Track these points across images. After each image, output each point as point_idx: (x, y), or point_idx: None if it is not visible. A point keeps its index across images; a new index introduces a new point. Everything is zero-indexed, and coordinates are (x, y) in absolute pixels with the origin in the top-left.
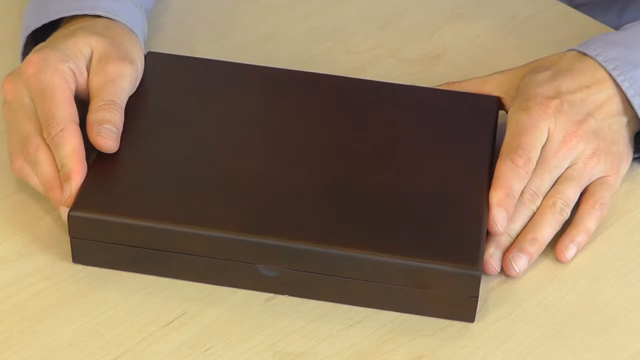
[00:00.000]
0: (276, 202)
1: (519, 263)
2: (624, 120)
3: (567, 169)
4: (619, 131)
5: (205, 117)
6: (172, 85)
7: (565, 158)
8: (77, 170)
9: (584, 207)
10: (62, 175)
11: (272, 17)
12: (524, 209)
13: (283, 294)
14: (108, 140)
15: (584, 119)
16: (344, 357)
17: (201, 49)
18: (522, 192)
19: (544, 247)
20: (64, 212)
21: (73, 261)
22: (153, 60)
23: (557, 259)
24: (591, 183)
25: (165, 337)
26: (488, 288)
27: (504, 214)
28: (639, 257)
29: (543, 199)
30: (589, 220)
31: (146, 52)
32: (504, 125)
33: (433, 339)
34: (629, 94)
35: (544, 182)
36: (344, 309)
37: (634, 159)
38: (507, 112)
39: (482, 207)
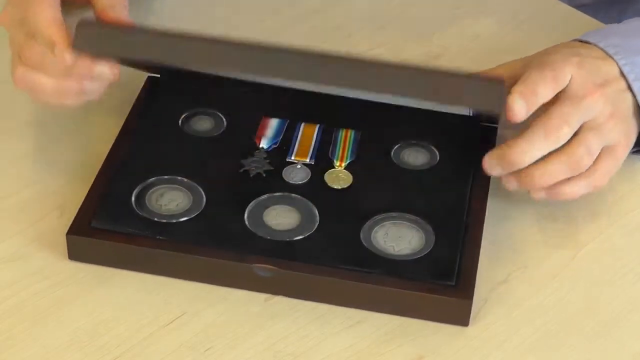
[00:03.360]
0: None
1: (513, 185)
2: (630, 99)
3: (589, 121)
4: (629, 108)
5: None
6: None
7: (588, 107)
8: (58, 35)
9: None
10: (47, 47)
11: (272, 17)
12: (549, 140)
13: (277, 294)
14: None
15: (603, 84)
16: (344, 357)
17: None
18: (550, 116)
19: (548, 183)
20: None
21: (69, 258)
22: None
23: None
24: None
25: (165, 337)
26: (488, 288)
27: (522, 102)
28: (639, 257)
29: (567, 144)
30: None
31: None
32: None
33: (433, 339)
34: (630, 77)
35: (572, 115)
36: (344, 309)
37: (633, 152)
38: None
39: None
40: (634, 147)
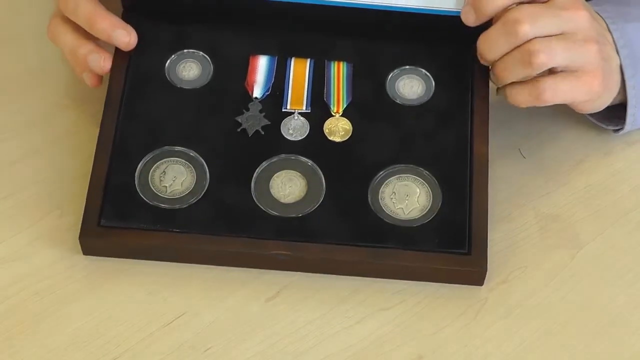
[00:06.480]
0: None
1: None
2: (616, 58)
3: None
4: (613, 57)
5: None
6: None
7: (567, 18)
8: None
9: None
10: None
11: None
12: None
13: (296, 270)
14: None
15: (595, 15)
16: (344, 357)
17: None
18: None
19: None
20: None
21: (84, 253)
22: None
23: None
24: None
25: (165, 337)
26: (488, 288)
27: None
28: (639, 257)
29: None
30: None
31: None
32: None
33: (433, 339)
34: (620, 44)
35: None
36: (344, 309)
37: (614, 130)
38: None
39: None
40: (614, 125)
